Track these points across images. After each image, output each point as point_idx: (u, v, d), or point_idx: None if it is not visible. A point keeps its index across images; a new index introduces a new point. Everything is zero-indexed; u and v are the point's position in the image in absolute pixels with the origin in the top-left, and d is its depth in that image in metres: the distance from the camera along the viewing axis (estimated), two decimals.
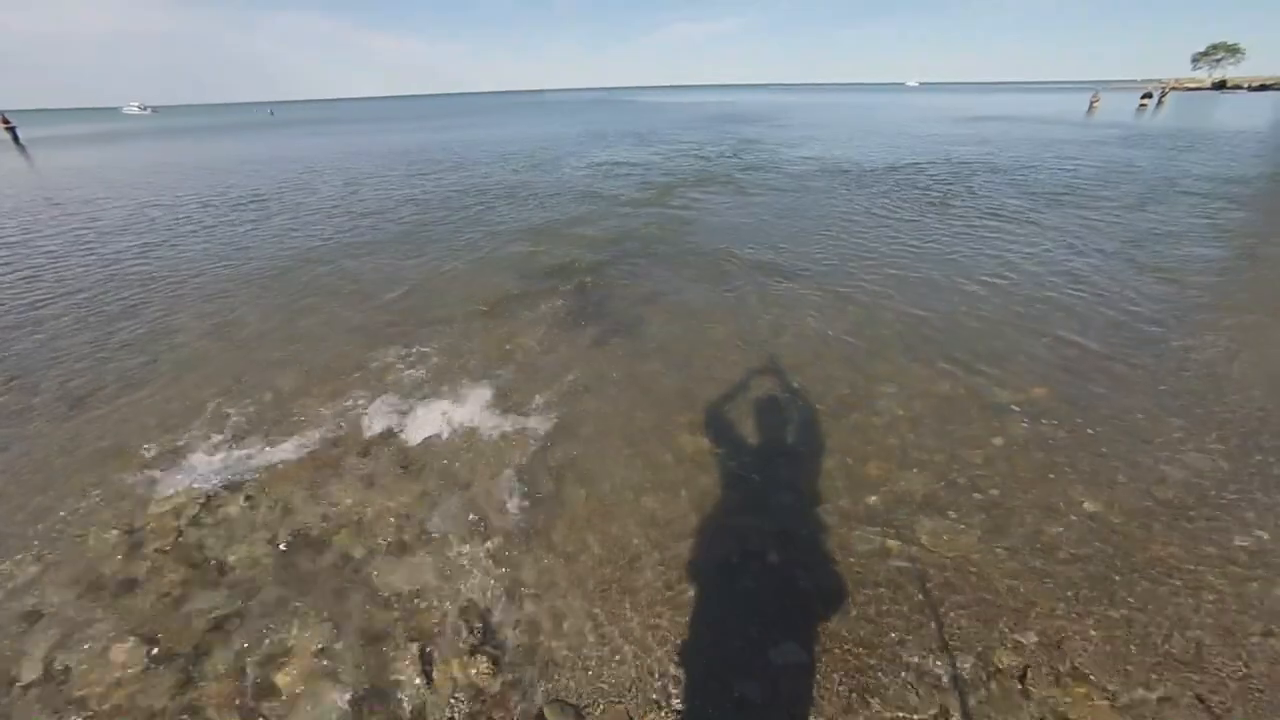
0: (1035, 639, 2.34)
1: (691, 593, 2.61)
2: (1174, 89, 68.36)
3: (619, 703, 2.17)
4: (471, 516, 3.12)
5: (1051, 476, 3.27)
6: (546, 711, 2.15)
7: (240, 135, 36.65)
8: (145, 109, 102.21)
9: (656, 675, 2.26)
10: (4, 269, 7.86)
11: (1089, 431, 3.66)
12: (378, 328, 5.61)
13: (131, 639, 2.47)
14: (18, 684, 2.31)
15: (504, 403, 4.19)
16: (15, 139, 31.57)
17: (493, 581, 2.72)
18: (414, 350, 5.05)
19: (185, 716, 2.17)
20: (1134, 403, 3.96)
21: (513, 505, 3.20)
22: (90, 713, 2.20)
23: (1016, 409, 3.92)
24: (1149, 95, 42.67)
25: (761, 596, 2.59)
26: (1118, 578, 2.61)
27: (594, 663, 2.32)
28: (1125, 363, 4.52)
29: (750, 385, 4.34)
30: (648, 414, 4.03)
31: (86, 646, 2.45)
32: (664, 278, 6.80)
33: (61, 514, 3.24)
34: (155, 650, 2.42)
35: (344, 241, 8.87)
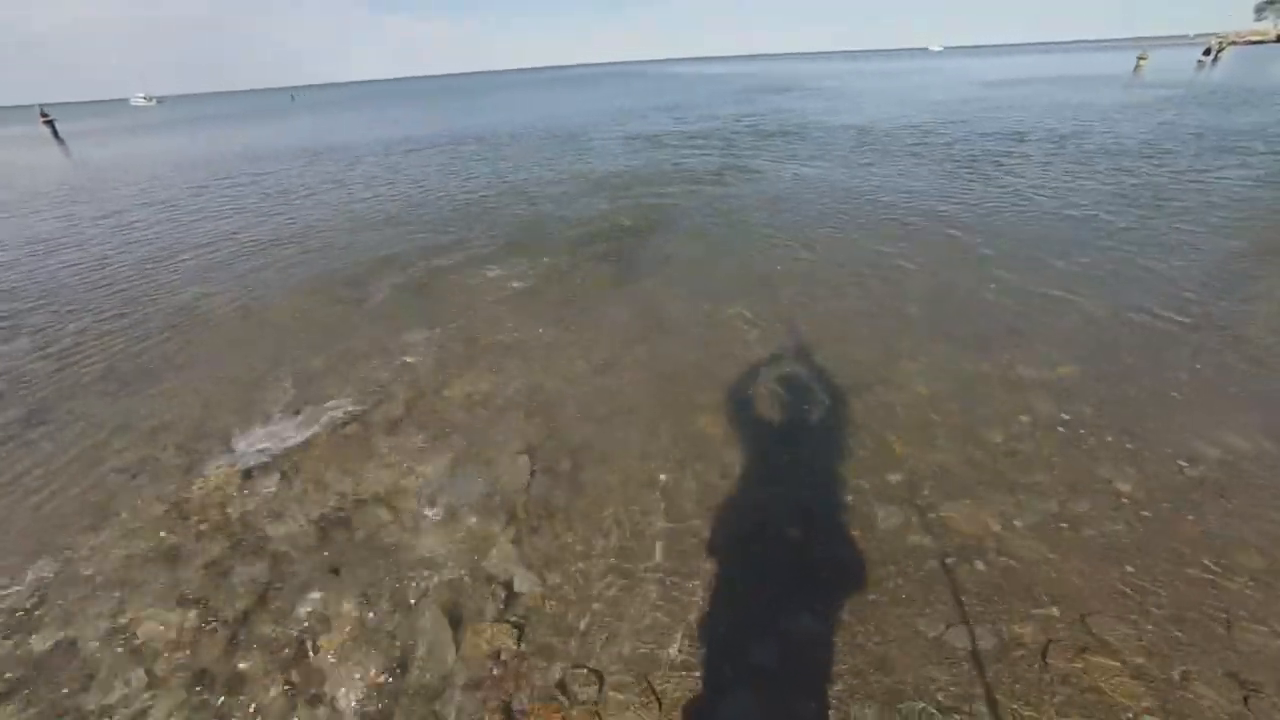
0: (1058, 614, 2.32)
1: (711, 565, 2.66)
2: (1233, 43, 62.65)
3: (638, 669, 2.24)
4: (495, 491, 3.22)
5: (1079, 455, 3.20)
6: (568, 678, 2.23)
7: (262, 123, 37.16)
8: (151, 100, 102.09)
9: (674, 643, 2.32)
10: (60, 257, 8.25)
11: (1120, 409, 3.54)
12: (402, 311, 5.73)
13: (184, 606, 2.65)
14: (88, 642, 2.50)
15: (525, 381, 4.26)
16: (55, 133, 32.74)
17: (515, 553, 2.81)
18: (437, 331, 5.16)
19: (233, 678, 2.33)
20: (1169, 380, 3.81)
21: (534, 479, 3.28)
22: (150, 670, 2.37)
23: (1045, 386, 3.81)
24: (1208, 51, 39.47)
25: (781, 570, 2.63)
26: (1146, 555, 2.56)
27: (613, 631, 2.40)
28: (1161, 338, 4.33)
29: (772, 362, 4.32)
30: (668, 390, 4.05)
31: (145, 612, 2.63)
32: (687, 254, 6.74)
33: (116, 489, 3.45)
34: (205, 616, 2.59)
35: (369, 224, 9.02)
